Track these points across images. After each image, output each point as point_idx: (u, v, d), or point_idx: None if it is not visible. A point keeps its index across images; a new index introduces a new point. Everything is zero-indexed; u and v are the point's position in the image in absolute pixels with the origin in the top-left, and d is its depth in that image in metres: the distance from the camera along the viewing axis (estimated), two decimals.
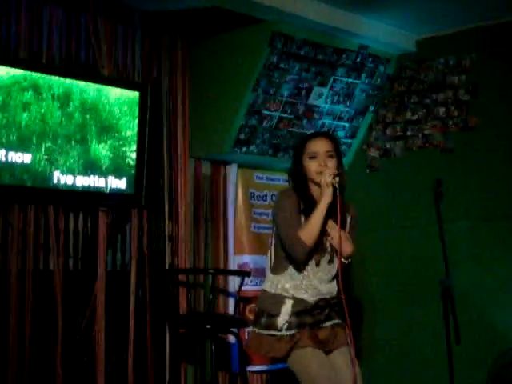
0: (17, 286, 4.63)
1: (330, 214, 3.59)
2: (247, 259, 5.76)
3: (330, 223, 3.65)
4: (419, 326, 5.62)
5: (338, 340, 3.70)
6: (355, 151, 6.15)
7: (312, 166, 3.66)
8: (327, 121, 5.86)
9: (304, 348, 3.58)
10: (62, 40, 4.90)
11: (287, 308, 3.62)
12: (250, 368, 5.63)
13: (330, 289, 3.71)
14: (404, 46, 5.83)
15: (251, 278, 5.62)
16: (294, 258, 3.60)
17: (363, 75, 5.83)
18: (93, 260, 5.03)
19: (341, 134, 5.98)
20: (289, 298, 3.64)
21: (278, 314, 3.62)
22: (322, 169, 3.62)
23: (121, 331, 5.14)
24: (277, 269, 3.70)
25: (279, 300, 3.64)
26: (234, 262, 5.73)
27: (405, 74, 5.96)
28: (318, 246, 3.63)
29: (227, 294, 5.65)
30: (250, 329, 3.77)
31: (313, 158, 3.67)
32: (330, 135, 3.89)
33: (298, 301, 3.63)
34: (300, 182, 3.71)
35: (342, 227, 3.67)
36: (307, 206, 3.63)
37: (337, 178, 3.55)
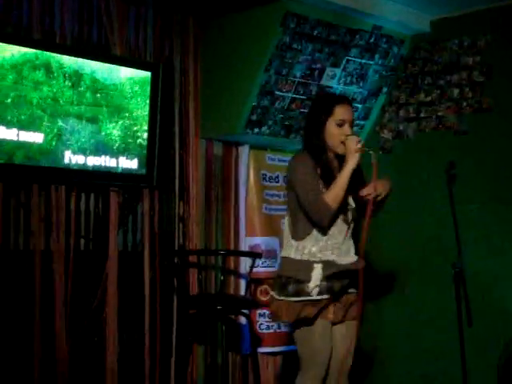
0: (29, 266, 4.64)
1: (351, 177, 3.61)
2: (259, 241, 5.75)
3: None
4: (431, 309, 5.60)
5: (349, 313, 3.73)
6: (368, 133, 6.12)
7: (338, 134, 3.65)
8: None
9: (318, 323, 3.62)
10: (73, 19, 4.89)
11: (317, 273, 3.61)
12: (262, 350, 5.64)
13: (350, 247, 3.74)
14: (418, 27, 5.77)
15: (262, 259, 5.62)
16: (318, 222, 3.59)
17: (377, 56, 5.78)
18: (104, 240, 5.04)
19: (354, 115, 5.94)
20: (317, 262, 3.63)
21: (308, 280, 3.60)
22: (345, 138, 3.62)
23: (132, 311, 5.15)
24: (299, 234, 3.67)
25: (307, 265, 3.63)
26: (245, 244, 5.72)
27: (419, 55, 5.91)
28: (343, 205, 3.64)
29: (239, 275, 5.65)
30: (275, 297, 3.70)
31: (340, 125, 3.65)
32: (351, 102, 3.86)
33: (326, 264, 3.63)
34: (319, 147, 3.68)
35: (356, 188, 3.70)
36: (324, 171, 3.63)
37: (364, 148, 3.61)
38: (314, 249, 3.64)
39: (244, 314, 5.23)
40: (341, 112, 3.67)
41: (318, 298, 3.61)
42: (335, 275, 3.65)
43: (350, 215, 3.74)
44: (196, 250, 5.51)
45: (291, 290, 3.63)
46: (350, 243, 3.78)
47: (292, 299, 3.63)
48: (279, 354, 5.80)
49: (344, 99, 3.82)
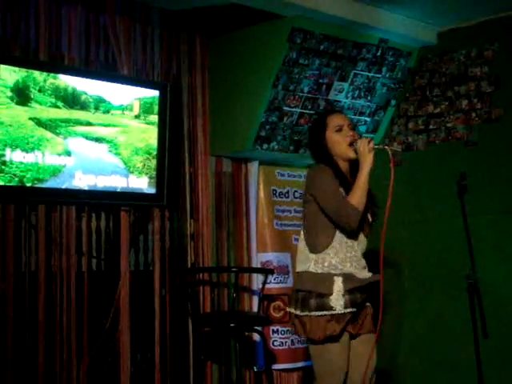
0: (40, 287, 4.64)
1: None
2: (270, 257, 5.73)
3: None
4: (446, 320, 5.56)
5: (365, 325, 3.71)
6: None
7: (341, 138, 3.68)
8: (348, 116, 5.81)
9: (333, 342, 3.60)
10: (81, 40, 4.90)
11: (339, 286, 3.59)
12: (275, 366, 5.61)
13: (365, 263, 3.74)
14: (425, 39, 5.78)
15: (275, 275, 5.61)
16: (348, 225, 3.58)
17: (384, 69, 5.78)
18: (116, 260, 5.03)
19: (362, 128, 5.94)
20: (337, 275, 3.61)
21: (330, 293, 3.58)
22: (351, 138, 3.66)
23: (145, 331, 5.14)
24: (317, 247, 3.66)
25: (328, 279, 3.61)
26: (257, 260, 5.70)
27: (426, 67, 5.91)
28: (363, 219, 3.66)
29: (251, 292, 5.64)
30: (297, 313, 3.66)
31: (339, 131, 3.69)
32: (342, 111, 3.98)
33: (347, 276, 3.62)
34: (328, 160, 3.71)
35: (371, 199, 3.72)
36: (341, 179, 3.65)
37: (375, 144, 3.62)
38: (333, 261, 3.62)
39: (257, 331, 5.21)
40: (334, 119, 3.74)
41: (341, 311, 3.59)
42: (357, 288, 3.63)
43: (368, 230, 3.74)
44: (208, 268, 5.49)
45: (313, 305, 3.60)
46: (364, 260, 3.78)
47: (315, 314, 3.59)
48: (294, 371, 5.77)
49: (335, 110, 3.98)
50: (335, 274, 3.61)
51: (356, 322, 3.69)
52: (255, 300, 5.58)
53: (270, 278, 5.53)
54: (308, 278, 3.66)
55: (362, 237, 3.71)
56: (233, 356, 5.51)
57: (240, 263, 5.68)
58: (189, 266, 5.44)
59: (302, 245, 3.74)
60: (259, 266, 5.69)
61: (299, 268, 3.74)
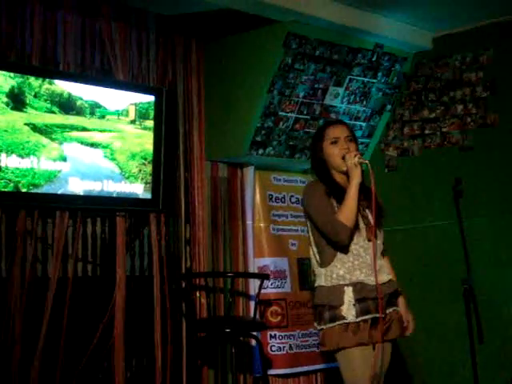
0: (36, 294, 4.63)
1: (360, 193, 3.62)
2: (267, 262, 5.72)
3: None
4: (441, 325, 5.57)
5: (391, 332, 3.69)
6: (373, 151, 6.11)
7: (335, 151, 3.70)
8: (349, 126, 5.82)
9: (356, 347, 3.58)
10: (76, 45, 4.90)
11: (349, 296, 3.60)
12: (273, 371, 5.60)
13: (383, 265, 3.72)
14: (420, 44, 5.79)
15: (272, 280, 5.61)
16: (337, 241, 3.60)
17: (379, 74, 5.79)
18: (111, 265, 5.02)
19: (358, 133, 5.94)
20: (347, 285, 3.61)
21: (341, 304, 3.59)
22: (345, 152, 3.67)
23: (140, 336, 5.13)
24: (325, 261, 3.68)
25: (338, 290, 3.62)
26: (254, 265, 5.69)
27: (421, 72, 5.92)
28: (362, 222, 3.67)
29: (248, 297, 5.63)
30: (317, 327, 3.70)
31: (334, 143, 3.71)
32: (345, 122, 3.94)
33: (356, 285, 3.61)
34: (323, 170, 3.75)
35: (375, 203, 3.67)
36: (335, 191, 3.66)
37: (362, 157, 3.63)
38: (341, 271, 3.64)
39: (253, 336, 5.20)
40: (331, 131, 3.75)
41: (356, 320, 3.58)
42: (368, 297, 3.62)
43: (370, 234, 3.70)
44: (203, 273, 5.49)
45: (327, 317, 3.63)
46: (382, 262, 3.75)
47: (329, 325, 3.61)
48: (290, 376, 5.75)
49: (335, 121, 3.98)
50: (345, 285, 3.62)
51: (376, 329, 3.65)
52: (252, 305, 5.57)
53: (267, 282, 5.53)
54: (321, 293, 3.70)
55: (366, 243, 3.67)
56: (228, 361, 5.50)
57: (236, 268, 5.67)
58: (184, 271, 5.43)
59: (314, 261, 3.79)
60: (256, 270, 5.67)
61: (316, 283, 3.78)
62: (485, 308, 4.73)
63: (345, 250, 3.64)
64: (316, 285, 3.75)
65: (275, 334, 5.63)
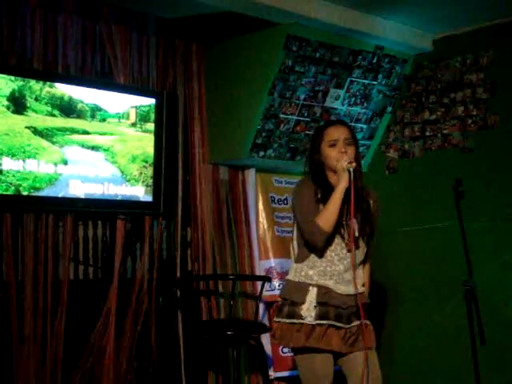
0: (38, 295, 4.64)
1: (348, 200, 3.56)
2: (273, 263, 5.73)
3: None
4: (443, 327, 5.56)
5: (358, 343, 3.65)
6: (373, 153, 6.11)
7: (332, 153, 3.66)
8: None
9: (314, 352, 3.56)
10: (77, 49, 4.91)
11: (311, 296, 3.59)
12: (286, 374, 5.60)
13: (355, 278, 3.63)
14: (420, 46, 5.79)
15: (279, 281, 5.62)
16: (312, 244, 3.60)
17: (380, 76, 5.79)
18: (113, 268, 5.02)
19: (359, 135, 5.93)
20: (313, 285, 3.61)
21: (302, 303, 3.59)
22: (341, 155, 3.62)
23: (141, 339, 5.13)
24: (300, 257, 3.69)
25: (303, 287, 3.62)
26: (260, 267, 5.69)
27: (422, 74, 5.92)
28: (341, 231, 3.62)
29: (254, 299, 5.60)
30: (275, 320, 3.72)
31: (333, 145, 3.68)
32: (346, 123, 3.89)
33: (322, 289, 3.60)
34: (318, 170, 3.72)
35: (363, 213, 3.67)
36: (325, 193, 3.63)
37: (353, 164, 3.56)
38: (311, 272, 3.64)
39: (255, 339, 5.19)
40: (331, 133, 3.70)
41: (309, 323, 3.57)
42: (331, 303, 3.59)
43: (352, 245, 3.65)
44: (206, 276, 5.49)
45: (285, 312, 3.64)
46: (357, 274, 3.66)
47: (285, 321, 3.62)
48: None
49: (336, 121, 3.92)
50: (311, 284, 3.62)
51: (343, 339, 3.62)
52: (260, 307, 5.55)
53: (275, 284, 5.56)
54: (286, 286, 3.73)
55: (343, 252, 3.64)
56: (231, 364, 5.49)
57: (242, 270, 5.68)
58: (186, 274, 5.43)
59: (292, 255, 3.80)
60: (263, 272, 5.67)
61: (286, 276, 3.80)
62: (486, 309, 4.72)
63: (319, 253, 3.63)
64: (286, 277, 3.75)
65: None
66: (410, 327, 5.79)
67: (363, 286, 3.75)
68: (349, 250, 3.64)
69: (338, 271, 3.63)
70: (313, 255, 3.64)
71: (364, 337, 3.62)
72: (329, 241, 3.60)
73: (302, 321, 3.58)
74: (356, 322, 3.65)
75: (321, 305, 3.59)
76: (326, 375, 3.61)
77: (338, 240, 3.63)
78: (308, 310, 3.58)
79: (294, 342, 3.60)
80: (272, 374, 5.55)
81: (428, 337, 5.66)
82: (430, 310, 5.66)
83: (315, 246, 3.60)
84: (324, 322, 3.57)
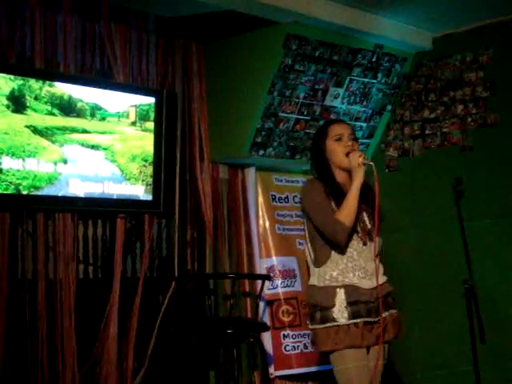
0: (37, 295, 4.64)
1: (360, 195, 3.59)
2: (275, 262, 5.72)
3: None
4: (443, 326, 5.57)
5: (387, 334, 3.65)
6: (373, 151, 6.11)
7: (339, 147, 3.66)
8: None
9: (348, 349, 3.56)
10: (76, 47, 4.90)
11: (340, 298, 3.58)
12: (290, 371, 5.60)
13: (378, 267, 3.68)
14: (420, 44, 5.79)
15: (281, 279, 5.62)
16: (335, 241, 3.58)
17: (379, 74, 5.79)
18: (113, 267, 5.02)
19: (358, 134, 5.93)
20: (339, 287, 3.60)
21: (333, 305, 3.58)
22: (349, 149, 3.63)
23: (142, 337, 5.13)
24: (319, 260, 3.66)
25: (330, 291, 3.60)
26: (261, 266, 5.69)
27: (421, 72, 5.92)
28: (358, 225, 3.63)
29: (255, 297, 5.59)
30: (310, 327, 3.69)
31: (338, 140, 3.68)
32: (346, 121, 3.93)
33: (349, 288, 3.59)
34: (324, 168, 3.71)
35: (371, 205, 3.66)
36: (334, 190, 3.63)
37: (369, 159, 3.59)
38: (334, 273, 3.62)
39: (254, 337, 5.19)
40: (335, 128, 3.72)
41: (346, 323, 3.58)
42: (360, 301, 3.60)
43: (367, 235, 3.69)
44: (206, 274, 5.49)
45: (318, 318, 3.62)
46: (377, 265, 3.69)
47: (321, 326, 3.60)
48: (308, 380, 5.74)
49: (337, 119, 4.00)
50: (337, 286, 3.61)
51: (371, 332, 3.63)
52: (261, 306, 5.57)
53: (277, 282, 5.57)
54: (313, 292, 3.69)
55: (360, 246, 3.65)
56: (232, 362, 5.50)
57: (242, 269, 5.67)
58: (186, 272, 5.43)
59: (308, 260, 3.78)
60: (264, 271, 5.66)
61: (309, 281, 3.77)
62: (486, 308, 4.73)
63: (340, 251, 3.63)
64: (310, 283, 3.73)
65: (288, 334, 5.63)
66: (410, 326, 5.78)
67: (384, 276, 3.76)
68: (364, 243, 3.65)
69: (359, 265, 3.64)
70: (334, 254, 3.63)
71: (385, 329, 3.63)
72: (350, 236, 3.62)
73: (336, 323, 3.57)
74: (385, 314, 3.66)
75: (351, 304, 3.59)
76: (364, 372, 3.61)
77: (354, 235, 3.64)
78: (340, 312, 3.58)
79: (336, 345, 3.58)
80: (273, 372, 5.55)
81: (428, 335, 5.67)
82: (431, 308, 5.66)
83: (339, 243, 3.59)
84: (358, 320, 3.58)
